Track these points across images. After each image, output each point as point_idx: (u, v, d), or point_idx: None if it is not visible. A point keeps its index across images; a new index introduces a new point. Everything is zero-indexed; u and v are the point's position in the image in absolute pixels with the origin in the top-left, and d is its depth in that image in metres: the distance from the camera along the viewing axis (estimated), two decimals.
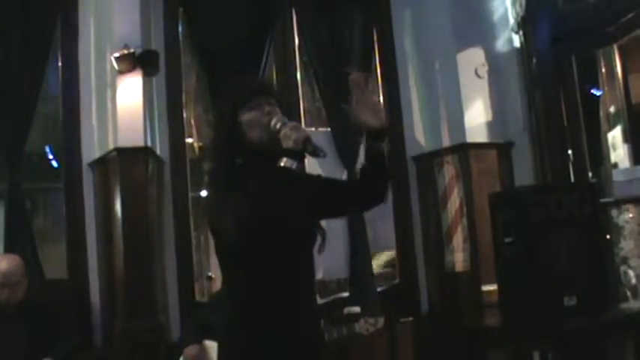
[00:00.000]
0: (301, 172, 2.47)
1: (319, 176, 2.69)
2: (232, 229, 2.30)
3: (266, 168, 2.33)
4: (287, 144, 2.31)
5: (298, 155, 2.31)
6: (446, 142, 5.65)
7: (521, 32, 5.75)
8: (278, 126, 2.37)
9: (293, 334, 2.40)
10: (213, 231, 2.50)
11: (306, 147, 2.32)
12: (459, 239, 5.48)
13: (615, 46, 5.54)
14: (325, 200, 2.55)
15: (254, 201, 2.26)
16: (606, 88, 5.76)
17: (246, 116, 2.45)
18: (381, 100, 6.03)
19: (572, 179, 5.54)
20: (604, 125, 5.73)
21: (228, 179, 2.40)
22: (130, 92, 4.82)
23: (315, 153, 2.34)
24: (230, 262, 2.48)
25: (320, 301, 5.52)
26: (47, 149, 5.82)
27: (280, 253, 2.39)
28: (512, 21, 5.79)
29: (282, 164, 2.29)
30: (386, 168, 2.54)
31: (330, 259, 5.66)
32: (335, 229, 5.67)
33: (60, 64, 5.20)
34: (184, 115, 5.51)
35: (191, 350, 4.02)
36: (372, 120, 2.46)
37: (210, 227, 2.53)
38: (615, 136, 5.65)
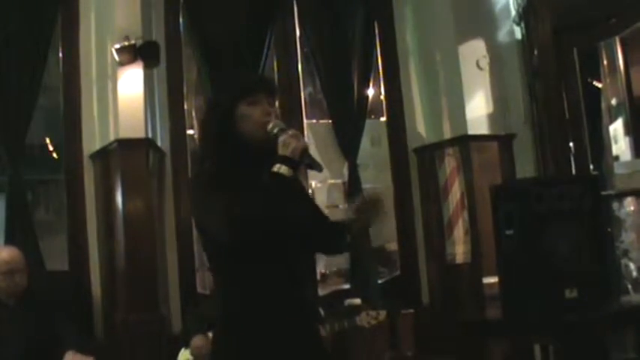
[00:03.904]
0: (297, 184, 2.45)
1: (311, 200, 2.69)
2: (222, 229, 2.28)
3: (260, 170, 2.31)
4: (284, 151, 2.29)
5: (294, 164, 2.29)
6: (447, 134, 5.65)
7: (522, 24, 5.74)
8: (275, 131, 2.35)
9: (292, 327, 2.40)
10: (200, 229, 2.49)
11: (303, 158, 2.31)
12: (459, 231, 5.48)
13: (617, 39, 5.53)
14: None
15: (250, 202, 2.25)
16: (608, 81, 5.75)
17: (244, 109, 2.41)
18: (382, 92, 6.04)
19: (574, 172, 5.54)
20: (605, 118, 5.73)
21: (218, 176, 2.37)
22: (130, 84, 4.82)
23: (311, 165, 2.34)
24: (220, 260, 2.46)
25: (321, 292, 5.54)
26: (48, 141, 5.82)
27: (274, 250, 2.36)
28: (513, 12, 5.79)
29: (276, 169, 2.28)
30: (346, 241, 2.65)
31: None
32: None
33: (61, 55, 5.19)
34: (185, 106, 5.51)
35: (198, 341, 4.04)
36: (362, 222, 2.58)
37: (196, 224, 2.53)
38: (617, 128, 5.65)
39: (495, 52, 5.66)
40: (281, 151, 2.30)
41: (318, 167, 2.35)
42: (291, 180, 2.30)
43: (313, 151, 2.44)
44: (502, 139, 5.61)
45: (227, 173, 2.36)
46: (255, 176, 2.30)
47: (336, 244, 2.70)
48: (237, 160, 2.39)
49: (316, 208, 2.67)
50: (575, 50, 5.62)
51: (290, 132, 2.35)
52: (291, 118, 5.47)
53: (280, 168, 2.27)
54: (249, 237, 2.28)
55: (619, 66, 5.56)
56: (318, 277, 5.68)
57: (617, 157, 5.58)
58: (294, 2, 5.79)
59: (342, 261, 5.77)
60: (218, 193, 2.30)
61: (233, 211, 2.24)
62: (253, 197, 2.26)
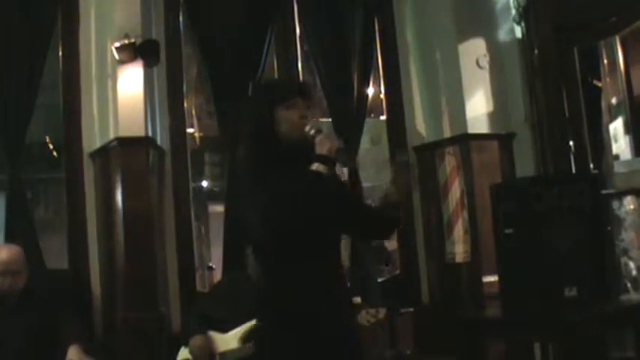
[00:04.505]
0: (335, 181, 2.59)
1: (348, 191, 2.83)
2: (261, 228, 2.43)
3: (298, 170, 2.45)
4: (321, 150, 2.46)
5: (330, 162, 2.45)
6: (447, 133, 5.64)
7: (522, 23, 5.73)
8: (312, 132, 2.52)
9: (329, 318, 2.54)
10: (243, 222, 2.60)
11: (338, 156, 2.47)
12: (459, 230, 5.48)
13: (617, 38, 5.53)
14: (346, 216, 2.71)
15: (287, 202, 2.39)
16: (608, 80, 5.75)
17: (282, 113, 2.57)
18: (382, 91, 6.04)
19: (574, 170, 5.54)
20: (605, 117, 5.73)
21: (258, 175, 2.51)
22: (130, 82, 4.82)
23: (346, 163, 2.54)
24: (261, 256, 2.61)
25: None
26: (48, 139, 5.82)
27: (311, 245, 2.52)
28: (513, 11, 5.77)
29: (314, 168, 2.44)
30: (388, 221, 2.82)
31: None
32: None
33: (60, 53, 5.19)
34: (185, 105, 5.51)
35: (197, 341, 4.03)
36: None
37: (241, 217, 2.63)
38: (617, 127, 5.65)
39: (495, 50, 5.65)
40: (318, 150, 2.47)
41: (353, 164, 2.48)
42: (328, 177, 2.45)
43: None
44: (502, 138, 5.60)
45: (266, 172, 2.51)
46: (294, 175, 2.43)
47: (384, 229, 2.91)
48: (276, 159, 2.54)
49: (357, 200, 2.85)
50: (575, 49, 5.61)
51: (325, 132, 2.54)
52: None
53: (318, 166, 2.43)
54: (288, 236, 2.43)
55: (619, 65, 5.56)
56: None
57: (617, 156, 5.58)
58: (294, 1, 5.79)
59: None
60: (258, 193, 2.45)
61: (272, 211, 2.39)
62: (291, 197, 2.40)
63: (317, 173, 2.42)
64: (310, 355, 2.50)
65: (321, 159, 2.44)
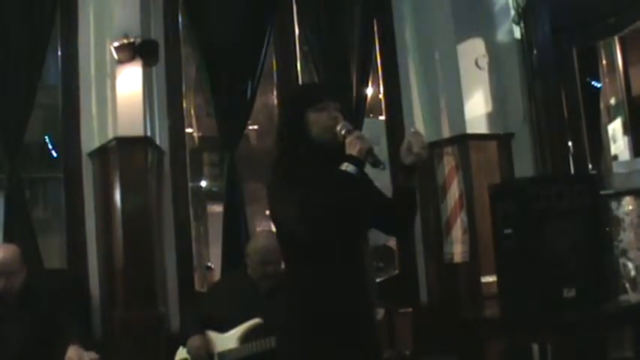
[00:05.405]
0: (364, 181, 2.65)
1: (376, 190, 2.82)
2: (299, 226, 2.48)
3: (330, 168, 2.50)
4: (351, 151, 2.51)
5: (359, 162, 2.50)
6: (446, 133, 5.64)
7: (521, 23, 5.73)
8: (343, 132, 2.58)
9: (365, 319, 2.64)
10: (276, 221, 2.68)
11: (367, 157, 2.52)
12: (458, 230, 5.48)
13: (616, 38, 5.53)
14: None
15: (320, 201, 2.44)
16: (607, 80, 5.76)
17: (313, 116, 2.64)
18: (381, 91, 6.04)
19: (572, 171, 5.54)
20: (604, 117, 5.73)
21: (292, 174, 2.57)
22: (129, 82, 4.82)
23: (375, 164, 2.55)
24: (295, 251, 2.65)
25: None
26: (47, 139, 5.81)
27: (344, 244, 2.60)
28: (512, 12, 5.78)
29: (344, 168, 2.48)
30: (412, 204, 2.75)
31: None
32: None
33: (59, 53, 5.19)
34: (184, 105, 5.51)
35: (195, 341, 4.02)
36: (412, 155, 2.61)
37: (272, 217, 2.70)
38: (615, 128, 5.65)
39: (494, 51, 5.65)
40: (348, 150, 2.52)
41: (382, 165, 2.55)
42: (357, 177, 2.50)
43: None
44: (501, 138, 5.60)
45: (301, 172, 2.56)
46: (326, 174, 2.49)
47: (405, 221, 2.86)
48: (309, 160, 2.61)
49: (383, 198, 2.82)
50: (574, 50, 5.62)
51: (356, 133, 2.58)
52: None
53: (348, 167, 2.48)
54: (324, 233, 2.50)
55: (618, 65, 5.57)
56: None
57: (615, 157, 5.58)
58: (294, 1, 5.79)
59: None
60: (294, 191, 2.50)
61: (308, 208, 2.44)
62: (326, 195, 2.45)
63: (347, 173, 2.47)
64: (349, 357, 2.55)
65: (351, 159, 2.49)
